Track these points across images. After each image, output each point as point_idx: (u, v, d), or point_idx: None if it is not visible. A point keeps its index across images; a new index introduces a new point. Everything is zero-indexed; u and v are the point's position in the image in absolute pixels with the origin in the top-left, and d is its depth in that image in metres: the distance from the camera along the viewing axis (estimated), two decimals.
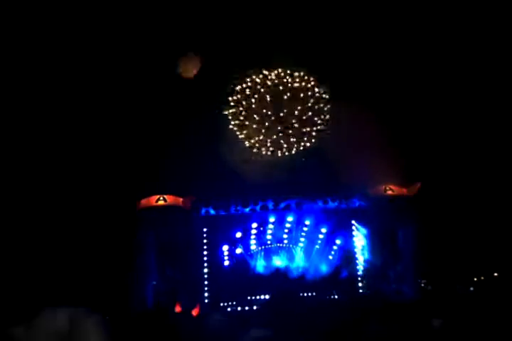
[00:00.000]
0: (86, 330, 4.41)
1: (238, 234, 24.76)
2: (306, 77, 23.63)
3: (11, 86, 21.66)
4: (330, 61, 23.33)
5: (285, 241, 25.73)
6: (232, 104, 23.81)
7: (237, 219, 24.80)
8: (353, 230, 25.17)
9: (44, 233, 22.58)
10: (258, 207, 24.61)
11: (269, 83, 23.49)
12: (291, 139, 23.97)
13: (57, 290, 21.37)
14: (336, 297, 24.34)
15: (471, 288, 24.91)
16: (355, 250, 25.06)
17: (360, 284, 24.90)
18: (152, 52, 22.67)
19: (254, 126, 23.75)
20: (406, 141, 23.92)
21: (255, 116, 23.62)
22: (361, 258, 24.93)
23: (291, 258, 25.43)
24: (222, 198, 24.64)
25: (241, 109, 23.73)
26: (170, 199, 23.77)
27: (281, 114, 23.49)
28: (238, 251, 24.91)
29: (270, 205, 24.67)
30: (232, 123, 23.93)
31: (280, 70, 23.55)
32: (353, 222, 25.17)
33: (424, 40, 23.76)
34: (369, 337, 8.30)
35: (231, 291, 24.06)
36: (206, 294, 23.83)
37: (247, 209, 24.58)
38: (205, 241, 24.73)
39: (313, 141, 24.22)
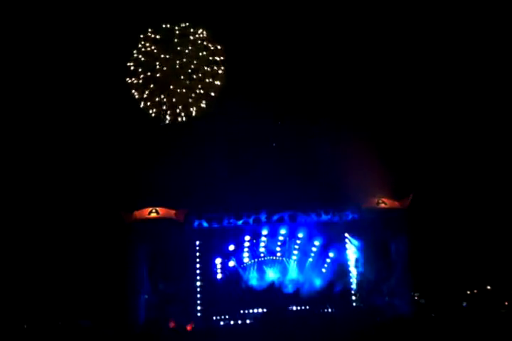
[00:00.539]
0: None
1: (231, 247, 24.61)
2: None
3: None
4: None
5: (278, 254, 25.62)
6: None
7: (230, 231, 24.65)
8: (346, 243, 25.10)
9: (37, 245, 22.37)
10: (251, 220, 24.45)
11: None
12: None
13: (49, 303, 21.16)
14: (330, 310, 24.23)
15: (464, 303, 24.91)
16: (348, 263, 25.00)
17: (353, 297, 24.80)
18: None
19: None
20: (398, 155, 24.09)
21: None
22: (354, 271, 24.88)
23: (284, 271, 25.32)
24: (215, 211, 24.51)
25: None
26: (162, 211, 23.59)
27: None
28: (231, 264, 24.75)
29: (263, 218, 24.53)
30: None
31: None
32: (346, 234, 25.10)
33: (412, 50, 24.08)
34: None
35: (224, 305, 23.85)
36: (199, 307, 23.58)
37: (240, 222, 24.42)
38: (197, 253, 24.54)
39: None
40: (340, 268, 24.75)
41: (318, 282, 24.68)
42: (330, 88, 23.81)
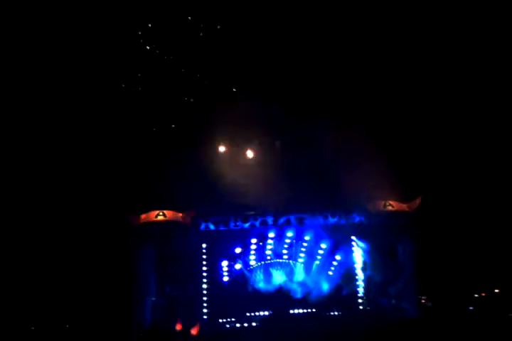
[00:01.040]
0: None
1: (238, 250, 24.68)
2: None
3: None
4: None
5: (285, 257, 25.63)
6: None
7: (237, 234, 24.71)
8: (352, 246, 25.06)
9: (42, 247, 22.52)
10: (258, 223, 24.49)
11: None
12: None
13: (55, 305, 21.30)
14: (336, 313, 24.18)
15: (471, 307, 24.73)
16: (355, 266, 24.94)
17: (360, 300, 24.73)
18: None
19: None
20: (406, 156, 23.99)
21: None
22: (361, 274, 24.81)
23: (291, 273, 25.32)
24: (221, 213, 24.57)
25: None
26: (169, 214, 23.66)
27: None
28: (237, 266, 24.80)
29: (270, 220, 24.57)
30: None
31: None
32: (353, 237, 25.06)
33: (410, 53, 23.99)
34: None
35: (230, 307, 23.88)
36: (205, 310, 23.64)
37: (247, 225, 24.47)
38: (204, 256, 24.61)
39: None
40: (347, 271, 24.71)
41: (325, 285, 24.64)
42: (334, 87, 23.75)
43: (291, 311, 24.24)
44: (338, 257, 24.91)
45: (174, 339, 14.90)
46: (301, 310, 24.33)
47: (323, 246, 24.91)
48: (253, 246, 25.06)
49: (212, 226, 24.35)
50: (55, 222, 23.06)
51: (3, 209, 22.25)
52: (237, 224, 24.38)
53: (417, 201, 23.98)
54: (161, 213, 23.49)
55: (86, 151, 23.66)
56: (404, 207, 24.44)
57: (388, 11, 22.80)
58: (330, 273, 25.04)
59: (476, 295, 25.44)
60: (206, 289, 24.02)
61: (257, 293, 24.54)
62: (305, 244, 25.36)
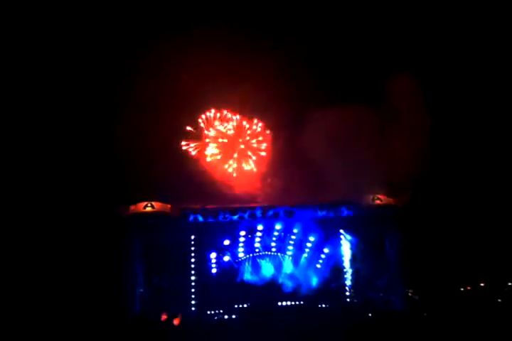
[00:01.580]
0: None
1: (226, 242, 24.66)
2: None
3: None
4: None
5: (273, 250, 25.69)
6: None
7: (226, 226, 24.66)
8: (341, 239, 25.16)
9: (31, 240, 22.37)
10: (246, 215, 24.47)
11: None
12: None
13: (44, 297, 21.16)
14: (324, 306, 24.30)
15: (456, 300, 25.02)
16: (343, 259, 25.06)
17: (347, 293, 24.88)
18: None
19: None
20: (394, 151, 24.03)
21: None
22: (349, 267, 24.94)
23: (279, 266, 25.39)
24: (211, 205, 24.52)
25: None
26: (158, 205, 23.61)
27: None
28: (226, 258, 24.80)
29: (258, 213, 24.56)
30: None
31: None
32: (341, 230, 25.15)
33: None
34: None
35: (218, 299, 23.89)
36: (193, 302, 23.65)
37: (236, 217, 24.44)
38: (192, 248, 24.55)
39: None
40: (335, 264, 24.81)
41: (312, 277, 24.74)
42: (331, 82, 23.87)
43: (279, 303, 24.34)
44: (326, 250, 25.01)
45: (158, 329, 14.86)
46: (289, 303, 24.43)
47: (312, 239, 24.98)
48: (242, 239, 25.10)
49: (201, 218, 24.28)
50: (44, 213, 22.89)
51: None
52: (226, 216, 24.34)
53: (407, 196, 24.10)
54: (149, 204, 23.43)
55: (75, 143, 23.53)
56: (392, 201, 24.57)
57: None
58: (318, 266, 25.13)
59: (461, 289, 25.74)
60: (194, 281, 24.01)
61: (245, 285, 24.57)
62: (293, 237, 25.42)
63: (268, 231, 25.11)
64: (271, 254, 25.65)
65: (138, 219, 23.16)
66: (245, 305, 24.02)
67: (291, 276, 24.95)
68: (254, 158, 27.34)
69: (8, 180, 22.62)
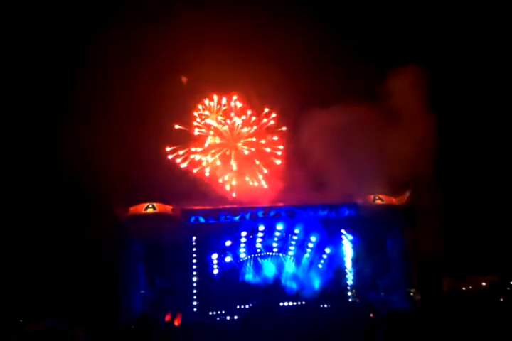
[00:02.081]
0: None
1: (228, 243, 24.62)
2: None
3: None
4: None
5: (275, 250, 25.65)
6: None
7: (227, 227, 24.66)
8: (342, 239, 25.13)
9: (31, 241, 22.40)
10: (248, 216, 24.47)
11: None
12: None
13: (44, 299, 21.18)
14: (326, 306, 24.25)
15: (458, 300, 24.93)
16: (345, 259, 25.03)
17: (349, 293, 24.84)
18: None
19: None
20: (396, 151, 23.97)
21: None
22: (350, 267, 24.91)
23: (280, 266, 25.34)
24: (211, 206, 24.53)
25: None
26: (159, 207, 23.63)
27: None
28: (228, 259, 24.77)
29: (260, 214, 24.56)
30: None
31: None
32: (343, 231, 25.12)
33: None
34: None
35: (220, 300, 23.88)
36: (195, 303, 23.64)
37: (237, 218, 24.45)
38: (194, 249, 24.55)
39: None
40: (337, 264, 24.79)
41: (314, 278, 24.69)
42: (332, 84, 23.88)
43: (281, 304, 24.30)
44: (327, 250, 24.96)
45: (159, 329, 14.91)
46: (291, 303, 24.39)
47: (313, 239, 24.94)
48: (243, 239, 25.03)
49: (202, 219, 24.28)
50: (44, 215, 22.89)
51: None
52: (227, 217, 24.35)
53: (407, 195, 24.10)
54: (150, 206, 23.45)
55: (74, 145, 23.54)
56: (393, 200, 24.58)
57: None
58: (319, 266, 25.08)
59: (463, 289, 25.66)
60: (196, 282, 24.00)
61: (247, 285, 24.53)
62: (295, 237, 25.37)
63: (269, 232, 25.08)
64: (272, 255, 25.61)
65: (139, 220, 23.18)
66: (247, 306, 23.99)
67: (293, 277, 24.91)
68: (265, 170, 25.05)
69: (8, 180, 22.64)
